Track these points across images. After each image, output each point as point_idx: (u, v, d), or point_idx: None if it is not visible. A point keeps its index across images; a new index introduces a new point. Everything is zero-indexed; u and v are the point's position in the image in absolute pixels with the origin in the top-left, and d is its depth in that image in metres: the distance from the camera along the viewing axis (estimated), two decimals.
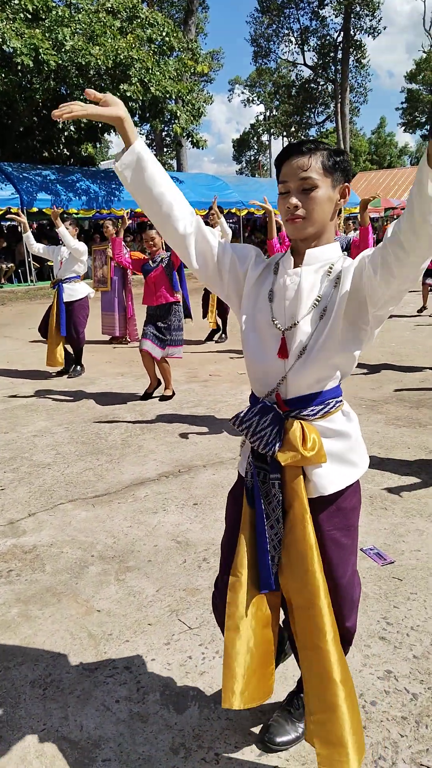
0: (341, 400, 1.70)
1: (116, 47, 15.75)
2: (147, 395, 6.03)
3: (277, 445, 1.62)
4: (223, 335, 9.08)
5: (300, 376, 1.61)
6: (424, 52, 49.22)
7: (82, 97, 16.05)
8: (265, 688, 1.74)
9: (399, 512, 3.46)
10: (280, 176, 1.62)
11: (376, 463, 4.17)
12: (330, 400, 1.66)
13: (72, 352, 7.19)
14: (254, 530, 1.69)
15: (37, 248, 6.82)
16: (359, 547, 3.04)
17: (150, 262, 5.79)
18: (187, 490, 3.85)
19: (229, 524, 1.85)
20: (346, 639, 1.80)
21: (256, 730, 1.99)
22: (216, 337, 9.06)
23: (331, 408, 1.66)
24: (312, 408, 1.64)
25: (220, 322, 8.92)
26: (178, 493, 3.83)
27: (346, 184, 1.64)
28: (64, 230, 6.56)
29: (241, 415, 1.66)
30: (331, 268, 1.63)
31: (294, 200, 1.57)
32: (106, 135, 22.39)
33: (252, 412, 1.65)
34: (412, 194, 1.32)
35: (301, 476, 1.64)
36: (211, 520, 3.43)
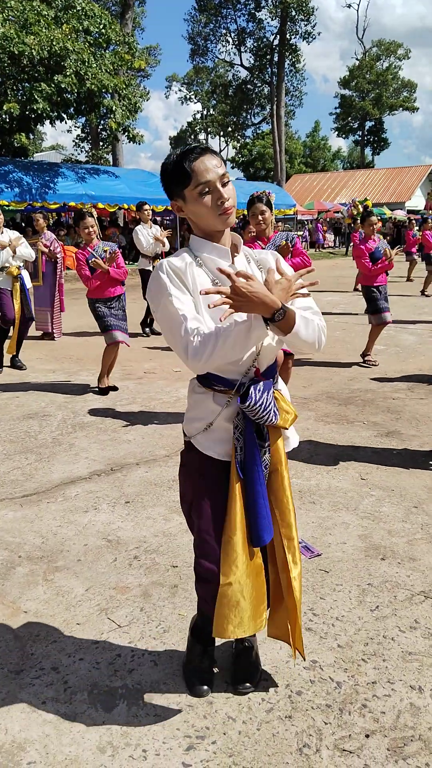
0: None
1: (51, 37, 15.36)
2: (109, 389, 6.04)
3: (277, 413, 1.81)
4: (147, 330, 9.16)
5: (269, 347, 1.83)
6: (357, 59, 50.70)
7: (15, 86, 15.52)
8: (258, 624, 1.96)
9: (326, 506, 3.55)
10: (195, 178, 1.69)
11: (306, 458, 4.27)
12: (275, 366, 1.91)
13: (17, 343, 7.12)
14: (246, 498, 1.84)
15: None
16: None
17: (93, 252, 5.72)
18: (119, 489, 3.82)
19: (210, 506, 1.91)
20: None
21: (184, 725, 2.00)
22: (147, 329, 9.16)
23: (276, 372, 1.93)
24: (275, 375, 1.91)
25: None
26: (110, 491, 3.79)
27: None
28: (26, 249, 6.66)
29: (253, 396, 1.74)
30: (246, 255, 1.88)
31: (228, 191, 1.72)
32: (39, 126, 21.85)
33: (259, 391, 1.76)
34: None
35: (282, 437, 1.92)
36: (143, 518, 3.42)
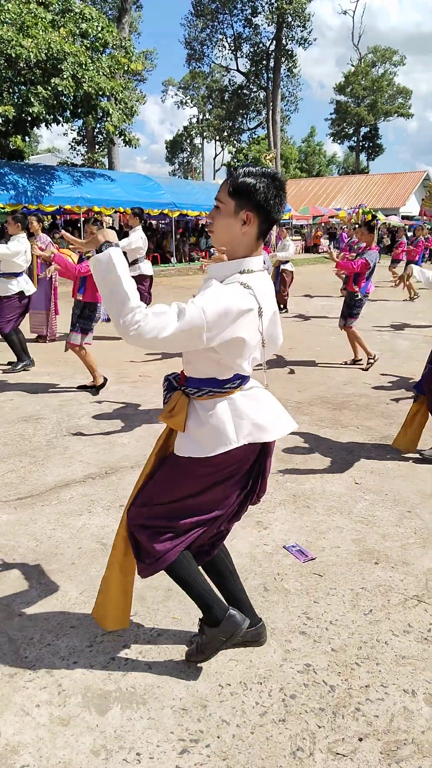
0: (213, 393, 2.02)
1: (48, 40, 15.36)
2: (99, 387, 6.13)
3: (164, 402, 2.15)
4: None
5: (186, 361, 2.06)
6: (352, 65, 50.95)
7: (11, 89, 15.46)
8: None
9: (321, 510, 3.56)
10: None
11: (300, 462, 4.28)
12: (204, 388, 2.02)
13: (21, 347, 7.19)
14: None
15: None
16: (282, 545, 3.13)
17: (84, 255, 5.76)
18: (113, 492, 3.82)
19: None
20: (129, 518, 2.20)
21: (178, 729, 2.01)
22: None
23: (202, 394, 2.03)
24: (190, 388, 2.06)
25: None
26: (105, 494, 3.79)
27: (248, 211, 1.89)
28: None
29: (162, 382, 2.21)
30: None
31: (209, 216, 1.99)
32: (35, 129, 21.84)
33: (164, 383, 2.17)
34: None
35: (169, 430, 2.16)
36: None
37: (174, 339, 1.79)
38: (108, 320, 5.87)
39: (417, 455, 4.40)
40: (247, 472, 2.13)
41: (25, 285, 6.90)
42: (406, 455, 4.42)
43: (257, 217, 1.90)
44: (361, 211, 17.14)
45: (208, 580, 2.28)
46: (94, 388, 6.07)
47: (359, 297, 7.02)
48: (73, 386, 6.30)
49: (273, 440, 2.08)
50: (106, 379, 6.17)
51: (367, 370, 7.18)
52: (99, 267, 1.83)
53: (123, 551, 2.25)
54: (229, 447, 1.98)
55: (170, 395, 2.10)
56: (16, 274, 6.79)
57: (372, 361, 7.21)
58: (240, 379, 2.04)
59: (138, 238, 8.53)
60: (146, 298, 8.76)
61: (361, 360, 7.38)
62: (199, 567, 2.25)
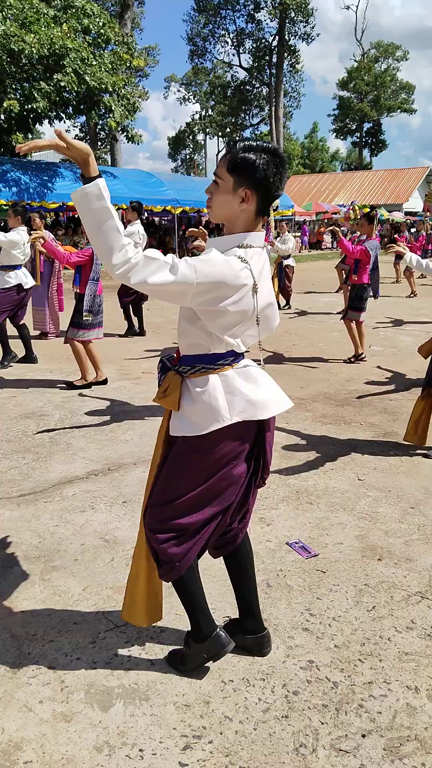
0: (205, 369, 1.99)
1: (50, 36, 15.34)
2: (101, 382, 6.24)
3: (158, 384, 2.14)
4: (136, 329, 9.27)
5: (180, 335, 2.03)
6: (355, 61, 50.80)
7: (14, 86, 15.46)
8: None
9: (323, 506, 3.56)
10: None
11: (303, 458, 4.28)
12: (197, 365, 2.00)
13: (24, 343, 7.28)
14: None
15: None
16: (285, 542, 3.13)
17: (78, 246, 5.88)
18: (116, 488, 3.82)
19: None
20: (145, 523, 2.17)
21: (181, 725, 2.01)
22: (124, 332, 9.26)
23: (195, 371, 2.00)
24: (183, 366, 2.03)
25: (135, 320, 9.22)
26: (108, 491, 3.79)
27: (247, 189, 1.85)
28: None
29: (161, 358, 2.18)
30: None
31: (207, 190, 1.93)
32: (37, 125, 21.81)
33: (159, 360, 2.16)
34: None
35: (169, 412, 2.08)
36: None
37: (160, 288, 1.76)
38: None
39: (424, 451, 4.39)
40: (247, 454, 2.09)
41: (24, 278, 6.90)
42: (412, 452, 4.41)
43: (256, 194, 1.85)
44: (356, 207, 17.14)
45: (206, 583, 2.27)
46: (75, 386, 6.13)
47: (363, 286, 7.07)
48: (74, 382, 6.30)
49: (269, 418, 2.04)
50: (106, 380, 6.25)
51: (347, 361, 7.35)
52: (85, 200, 1.73)
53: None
54: (222, 424, 1.93)
55: (164, 376, 2.09)
56: (15, 267, 6.79)
57: (353, 359, 7.33)
58: (233, 356, 2.00)
59: (135, 232, 8.48)
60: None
61: (362, 355, 7.38)
62: (226, 564, 2.33)
